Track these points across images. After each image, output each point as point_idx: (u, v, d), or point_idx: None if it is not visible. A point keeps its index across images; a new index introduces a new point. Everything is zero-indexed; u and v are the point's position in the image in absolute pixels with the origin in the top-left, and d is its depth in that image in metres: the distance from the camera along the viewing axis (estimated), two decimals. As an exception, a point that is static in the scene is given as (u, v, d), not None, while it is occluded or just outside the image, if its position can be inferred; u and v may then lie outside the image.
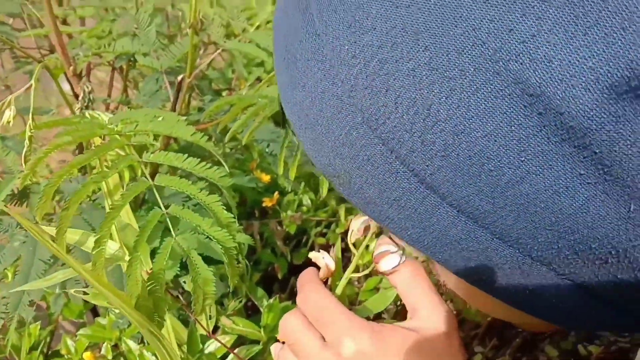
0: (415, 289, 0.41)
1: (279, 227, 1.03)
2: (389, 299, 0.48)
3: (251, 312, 0.92)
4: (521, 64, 0.20)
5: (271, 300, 0.72)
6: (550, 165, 0.22)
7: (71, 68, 0.76)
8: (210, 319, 0.58)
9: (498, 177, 0.23)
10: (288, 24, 0.29)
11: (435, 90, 0.22)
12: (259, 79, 1.06)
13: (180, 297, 0.60)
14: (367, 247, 0.45)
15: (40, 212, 0.45)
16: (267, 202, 0.97)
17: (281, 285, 1.05)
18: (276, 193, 0.98)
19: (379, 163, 0.26)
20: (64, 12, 0.87)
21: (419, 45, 0.22)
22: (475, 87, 0.21)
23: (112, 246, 0.48)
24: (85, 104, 0.76)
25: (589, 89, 0.20)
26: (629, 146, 0.20)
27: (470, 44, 0.21)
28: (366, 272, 0.46)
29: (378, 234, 0.45)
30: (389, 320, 0.48)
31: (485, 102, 0.21)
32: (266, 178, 0.97)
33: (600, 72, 0.19)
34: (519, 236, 0.25)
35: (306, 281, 0.43)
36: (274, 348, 0.46)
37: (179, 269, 0.60)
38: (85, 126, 0.53)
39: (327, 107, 0.26)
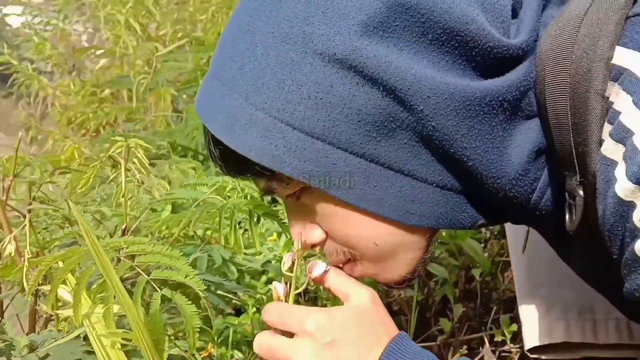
0: (342, 283, 0.61)
1: (220, 381, 1.14)
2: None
3: None
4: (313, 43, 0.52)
5: None
6: (334, 81, 0.51)
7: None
8: None
9: (315, 98, 0.51)
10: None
11: (279, 71, 0.52)
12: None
13: None
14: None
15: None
16: (204, 354, 1.10)
17: None
18: (210, 345, 1.11)
19: (268, 127, 0.52)
20: None
21: (268, 53, 0.53)
22: (297, 65, 0.51)
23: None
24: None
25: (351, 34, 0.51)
26: (369, 55, 0.50)
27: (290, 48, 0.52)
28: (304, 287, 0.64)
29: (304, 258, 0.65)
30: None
31: (300, 66, 0.51)
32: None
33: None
34: (343, 133, 0.51)
35: (267, 305, 0.61)
36: None
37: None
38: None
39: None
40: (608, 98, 0.49)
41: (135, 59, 2.51)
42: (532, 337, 0.83)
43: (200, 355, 1.11)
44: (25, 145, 3.13)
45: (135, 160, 0.97)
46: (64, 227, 1.02)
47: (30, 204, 1.12)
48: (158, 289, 0.67)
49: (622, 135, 0.47)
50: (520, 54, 0.53)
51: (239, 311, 1.24)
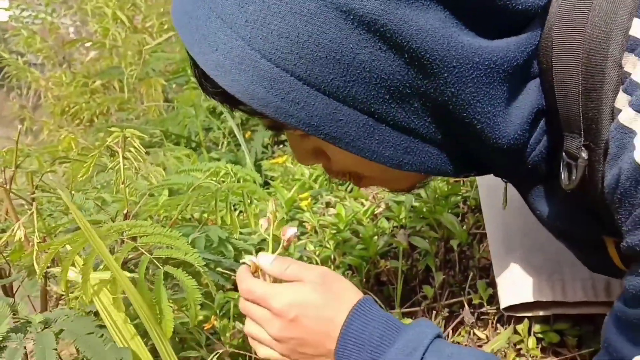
0: (293, 270, 0.64)
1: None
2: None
3: None
4: None
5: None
6: (356, 44, 0.48)
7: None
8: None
9: (333, 58, 0.48)
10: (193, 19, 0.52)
11: (292, 20, 0.48)
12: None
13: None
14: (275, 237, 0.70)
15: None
16: (207, 326, 1.17)
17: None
18: (212, 317, 1.18)
19: (275, 78, 0.49)
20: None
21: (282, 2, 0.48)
22: (314, 18, 0.47)
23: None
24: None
25: None
26: (400, 21, 0.47)
27: None
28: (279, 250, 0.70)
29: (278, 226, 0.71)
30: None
31: (318, 20, 0.47)
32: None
33: None
34: (356, 94, 0.50)
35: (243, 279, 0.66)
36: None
37: None
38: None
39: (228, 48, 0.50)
40: (623, 68, 0.50)
41: (125, 51, 2.55)
42: (507, 297, 0.89)
43: (204, 327, 1.18)
44: (21, 136, 3.13)
45: (132, 148, 1.02)
46: (67, 213, 1.08)
47: (34, 192, 1.18)
48: (160, 267, 0.73)
49: None
50: (539, 12, 0.53)
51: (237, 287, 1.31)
